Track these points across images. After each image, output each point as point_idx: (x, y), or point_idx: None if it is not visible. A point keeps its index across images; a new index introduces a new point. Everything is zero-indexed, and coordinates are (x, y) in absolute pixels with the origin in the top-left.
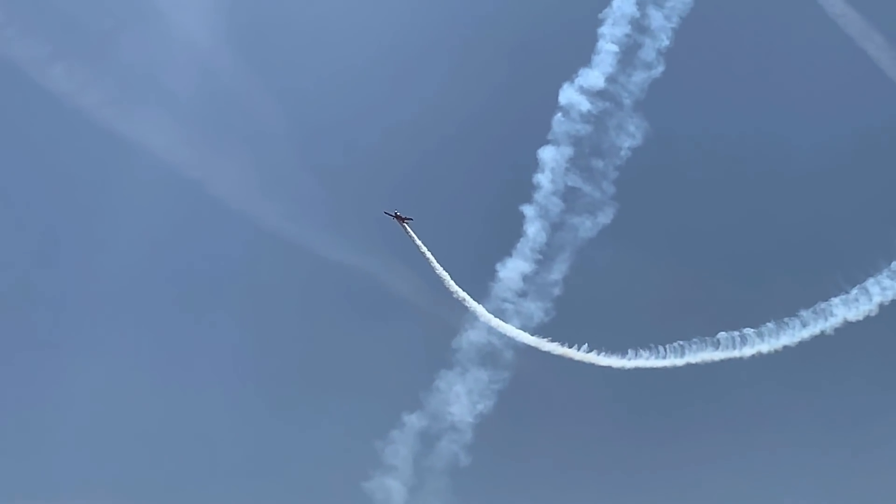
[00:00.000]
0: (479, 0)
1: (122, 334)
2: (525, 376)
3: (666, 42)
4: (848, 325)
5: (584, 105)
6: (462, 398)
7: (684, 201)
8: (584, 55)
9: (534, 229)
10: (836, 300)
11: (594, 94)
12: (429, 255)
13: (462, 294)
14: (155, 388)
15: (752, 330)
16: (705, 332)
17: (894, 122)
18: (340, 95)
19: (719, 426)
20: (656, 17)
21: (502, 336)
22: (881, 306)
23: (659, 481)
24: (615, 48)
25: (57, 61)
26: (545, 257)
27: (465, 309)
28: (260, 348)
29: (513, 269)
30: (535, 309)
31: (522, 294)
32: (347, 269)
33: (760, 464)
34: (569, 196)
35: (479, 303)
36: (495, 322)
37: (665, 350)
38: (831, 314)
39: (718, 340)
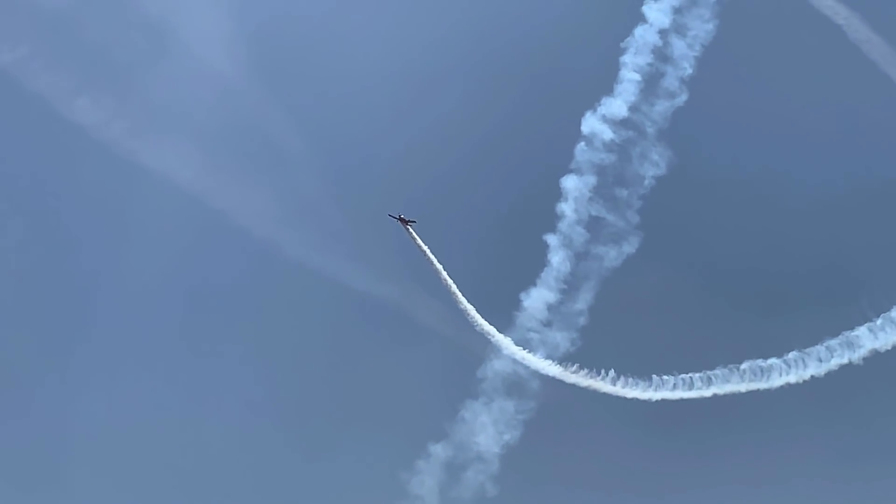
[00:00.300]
0: (501, 28)
1: (142, 364)
2: (551, 406)
3: (689, 70)
4: (876, 355)
5: (607, 134)
6: (488, 428)
7: (709, 230)
8: (606, 84)
9: (558, 259)
10: (862, 329)
11: (617, 123)
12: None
13: (479, 319)
14: (174, 418)
15: (778, 359)
16: (731, 360)
17: None
18: (362, 124)
19: (745, 456)
20: (679, 46)
21: (527, 367)
22: None
23: None
24: (637, 77)
25: (82, 93)
26: (570, 287)
27: (490, 338)
28: (283, 378)
29: (537, 299)
30: (561, 339)
31: (547, 324)
32: (371, 298)
33: (786, 496)
34: (592, 225)
35: (502, 333)
36: (518, 353)
37: (691, 380)
38: (858, 344)
39: (744, 370)
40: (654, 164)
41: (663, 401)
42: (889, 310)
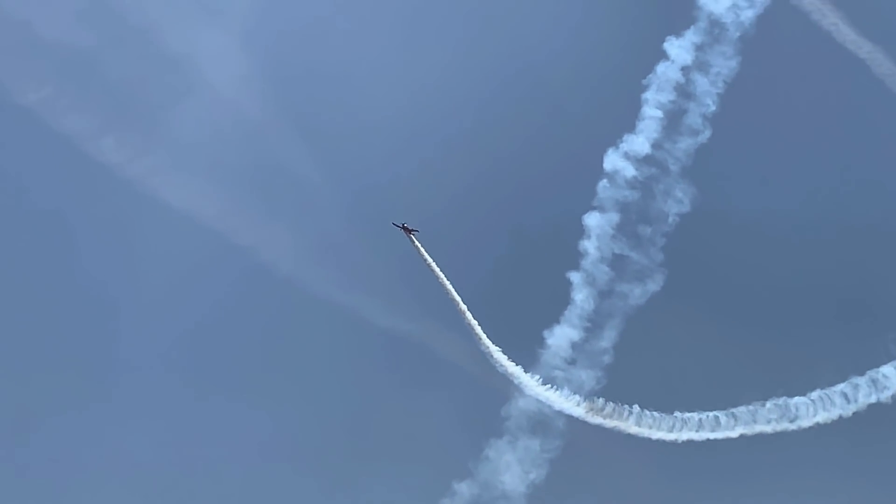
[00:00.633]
0: (522, 65)
1: (164, 401)
2: (577, 444)
3: (712, 107)
4: None
5: (630, 171)
6: (513, 467)
7: (733, 266)
8: (628, 121)
9: (581, 296)
10: (888, 367)
11: (639, 160)
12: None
13: (497, 354)
14: (194, 455)
15: (803, 397)
16: (756, 398)
17: None
18: (383, 161)
19: (770, 496)
20: (701, 83)
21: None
22: None
23: None
24: (660, 113)
25: (107, 133)
26: (594, 324)
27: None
28: (307, 415)
29: (561, 337)
30: (586, 377)
31: (571, 361)
32: (395, 335)
33: None
34: (616, 263)
35: (525, 370)
36: (541, 393)
37: (716, 418)
38: (884, 384)
39: (769, 408)
40: (677, 201)
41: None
42: None
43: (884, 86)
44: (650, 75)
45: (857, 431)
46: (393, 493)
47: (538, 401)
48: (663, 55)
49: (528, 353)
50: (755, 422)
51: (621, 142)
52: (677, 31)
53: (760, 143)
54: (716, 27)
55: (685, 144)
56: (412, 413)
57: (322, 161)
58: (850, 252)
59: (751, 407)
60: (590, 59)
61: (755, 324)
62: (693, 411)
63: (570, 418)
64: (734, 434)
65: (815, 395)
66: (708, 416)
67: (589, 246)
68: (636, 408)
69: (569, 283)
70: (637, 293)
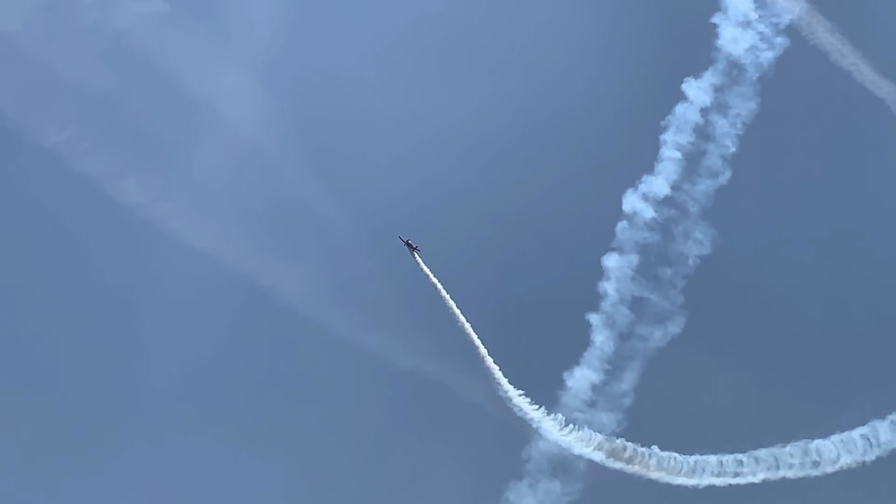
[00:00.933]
0: (540, 105)
1: (183, 442)
2: (598, 487)
3: (731, 149)
4: None
5: (649, 212)
6: None
7: (755, 309)
8: (646, 162)
9: (601, 338)
10: None
11: (658, 202)
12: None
13: (513, 393)
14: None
15: (824, 440)
16: (777, 440)
17: None
18: (407, 202)
19: None
20: (720, 124)
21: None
22: None
23: None
24: (678, 155)
25: (129, 174)
26: (614, 367)
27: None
28: (326, 455)
29: (581, 379)
30: (607, 419)
31: (592, 404)
32: (415, 376)
33: None
34: (636, 305)
35: (544, 412)
36: (560, 437)
37: (739, 462)
38: None
39: (790, 451)
40: (698, 243)
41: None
42: None
43: None
44: (669, 116)
45: (879, 476)
46: None
47: (558, 444)
48: (682, 96)
49: (547, 394)
50: (777, 466)
51: (640, 183)
52: (696, 73)
53: (781, 184)
54: (734, 68)
55: (705, 186)
56: (431, 454)
57: (341, 201)
58: (873, 295)
59: (772, 449)
60: (608, 100)
61: (776, 366)
62: (714, 454)
63: (591, 461)
64: (756, 479)
65: (835, 438)
66: (729, 459)
67: (608, 287)
68: (656, 449)
69: (588, 325)
70: (658, 335)
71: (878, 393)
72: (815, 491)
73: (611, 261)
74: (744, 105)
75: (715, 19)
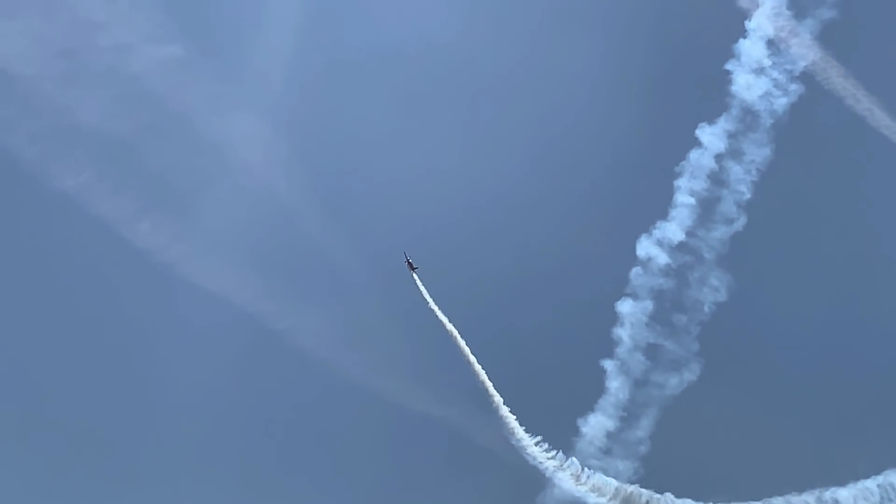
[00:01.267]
0: (555, 151)
1: (200, 488)
2: None
3: (746, 195)
4: None
5: (663, 258)
6: None
7: (770, 356)
8: (660, 208)
9: (616, 385)
10: None
11: (673, 248)
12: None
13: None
14: None
15: (839, 488)
16: (792, 489)
17: None
18: (421, 246)
19: None
20: (735, 170)
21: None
22: None
23: None
24: (692, 201)
25: (144, 217)
26: (629, 414)
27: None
28: (341, 500)
29: (596, 426)
30: (622, 467)
31: (607, 451)
32: (430, 420)
33: None
34: (651, 351)
35: (558, 459)
36: (576, 488)
37: None
38: None
39: (806, 501)
40: (713, 290)
41: None
42: None
43: None
44: (683, 162)
45: None
46: None
47: (573, 493)
48: (696, 142)
49: (562, 441)
50: None
51: (654, 228)
52: (710, 119)
53: (796, 230)
54: (749, 115)
55: (720, 232)
56: (446, 500)
57: (354, 245)
58: (890, 342)
59: (787, 497)
60: (623, 145)
61: (792, 414)
62: (729, 501)
63: None
64: None
65: (851, 486)
66: None
67: (623, 334)
68: (670, 496)
69: (603, 371)
70: (673, 383)
71: (894, 441)
72: None
73: (625, 306)
74: (758, 151)
75: (729, 66)
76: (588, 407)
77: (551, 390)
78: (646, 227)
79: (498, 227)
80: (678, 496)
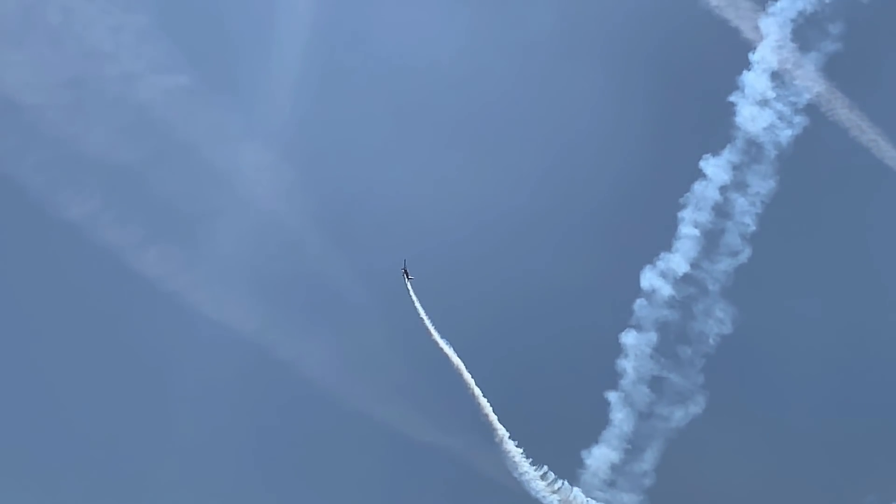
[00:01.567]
0: (558, 183)
1: None
2: None
3: (751, 227)
4: None
5: (667, 290)
6: None
7: (777, 389)
8: (664, 240)
9: (620, 417)
10: None
11: (677, 280)
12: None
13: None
14: None
15: None
16: None
17: None
18: (428, 277)
19: None
20: (739, 202)
21: None
22: None
23: None
24: (696, 232)
25: (150, 246)
26: (633, 446)
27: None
28: None
29: (600, 458)
30: (627, 499)
31: (611, 483)
32: (435, 450)
33: None
34: (655, 383)
35: (561, 490)
36: None
37: None
38: None
39: None
40: (718, 322)
41: None
42: None
43: None
44: (687, 194)
45: None
46: None
47: None
48: (700, 174)
49: (567, 472)
50: None
51: (658, 260)
52: (714, 151)
53: (801, 262)
54: (753, 147)
55: (724, 264)
56: None
57: (362, 275)
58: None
59: None
60: (627, 177)
61: (798, 447)
62: None
63: None
64: None
65: None
66: None
67: (627, 365)
68: None
69: (607, 403)
70: (678, 416)
71: None
72: None
73: (629, 338)
74: (763, 183)
75: (733, 98)
76: (592, 439)
77: (555, 422)
78: (650, 258)
79: (502, 258)
80: None
